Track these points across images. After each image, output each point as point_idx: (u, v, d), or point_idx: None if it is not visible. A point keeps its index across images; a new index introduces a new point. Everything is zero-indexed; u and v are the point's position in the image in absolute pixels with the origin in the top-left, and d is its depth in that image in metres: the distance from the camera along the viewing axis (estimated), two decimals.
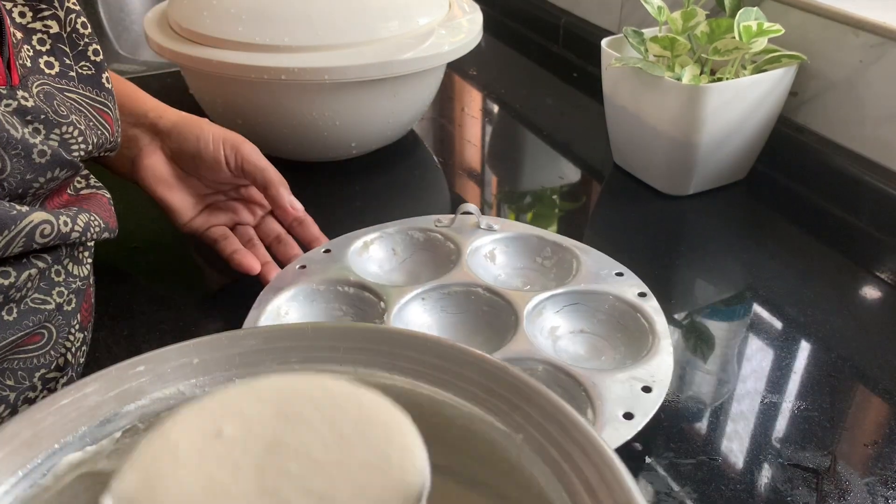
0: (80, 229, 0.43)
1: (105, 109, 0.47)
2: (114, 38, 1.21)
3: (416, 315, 0.55)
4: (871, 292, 0.63)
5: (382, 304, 0.54)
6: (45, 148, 0.41)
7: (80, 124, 0.45)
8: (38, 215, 0.40)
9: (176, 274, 0.66)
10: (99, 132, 0.47)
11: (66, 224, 0.42)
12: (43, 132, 0.42)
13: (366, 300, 0.56)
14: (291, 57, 0.68)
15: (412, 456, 0.25)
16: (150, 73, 1.01)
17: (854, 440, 0.49)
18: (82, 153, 0.45)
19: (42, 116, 0.42)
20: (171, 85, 0.98)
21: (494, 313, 0.55)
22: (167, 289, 0.64)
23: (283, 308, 0.55)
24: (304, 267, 0.59)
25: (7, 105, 0.40)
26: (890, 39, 0.67)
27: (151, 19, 0.77)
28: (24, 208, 0.40)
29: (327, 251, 0.61)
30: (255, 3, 0.71)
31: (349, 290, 0.57)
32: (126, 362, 0.33)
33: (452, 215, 0.63)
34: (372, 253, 0.62)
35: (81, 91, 0.46)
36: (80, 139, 0.44)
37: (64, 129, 0.43)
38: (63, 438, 0.30)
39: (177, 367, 0.33)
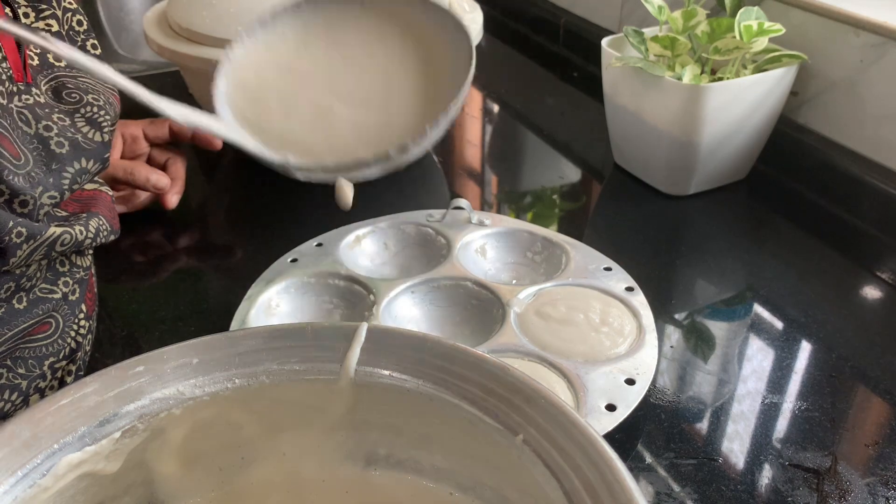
0: (93, 234, 0.46)
1: (113, 91, 0.50)
2: (113, 37, 1.21)
3: (406, 308, 0.56)
4: (871, 292, 0.63)
5: (372, 296, 0.55)
6: (63, 140, 0.43)
7: (100, 100, 0.47)
8: (58, 229, 0.43)
9: (173, 272, 0.66)
10: (114, 109, 0.49)
11: (81, 233, 0.45)
12: (66, 121, 0.44)
13: (356, 293, 0.56)
14: None
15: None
16: (150, 73, 1.01)
17: (855, 440, 0.49)
18: (109, 125, 0.47)
19: (61, 107, 0.45)
20: (170, 85, 0.98)
21: (482, 307, 0.56)
22: (165, 287, 0.64)
23: (273, 300, 0.56)
24: (295, 260, 0.59)
25: (26, 100, 0.42)
26: (890, 39, 0.67)
27: (151, 19, 0.77)
28: (44, 223, 0.43)
29: (319, 245, 0.61)
30: (255, 4, 0.70)
31: (340, 284, 0.57)
32: (126, 362, 0.33)
33: (444, 210, 0.64)
34: (364, 247, 0.62)
35: (90, 78, 0.48)
36: (102, 113, 0.47)
37: (85, 109, 0.46)
38: (63, 439, 0.30)
39: (176, 367, 0.33)
